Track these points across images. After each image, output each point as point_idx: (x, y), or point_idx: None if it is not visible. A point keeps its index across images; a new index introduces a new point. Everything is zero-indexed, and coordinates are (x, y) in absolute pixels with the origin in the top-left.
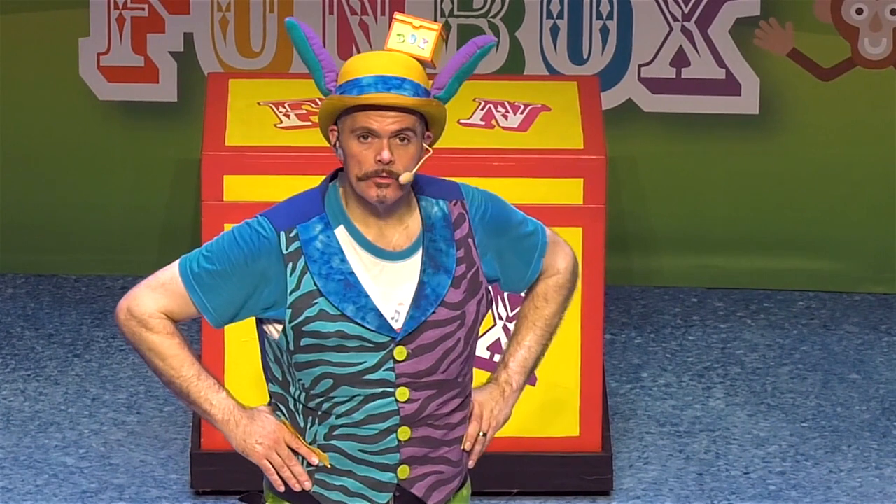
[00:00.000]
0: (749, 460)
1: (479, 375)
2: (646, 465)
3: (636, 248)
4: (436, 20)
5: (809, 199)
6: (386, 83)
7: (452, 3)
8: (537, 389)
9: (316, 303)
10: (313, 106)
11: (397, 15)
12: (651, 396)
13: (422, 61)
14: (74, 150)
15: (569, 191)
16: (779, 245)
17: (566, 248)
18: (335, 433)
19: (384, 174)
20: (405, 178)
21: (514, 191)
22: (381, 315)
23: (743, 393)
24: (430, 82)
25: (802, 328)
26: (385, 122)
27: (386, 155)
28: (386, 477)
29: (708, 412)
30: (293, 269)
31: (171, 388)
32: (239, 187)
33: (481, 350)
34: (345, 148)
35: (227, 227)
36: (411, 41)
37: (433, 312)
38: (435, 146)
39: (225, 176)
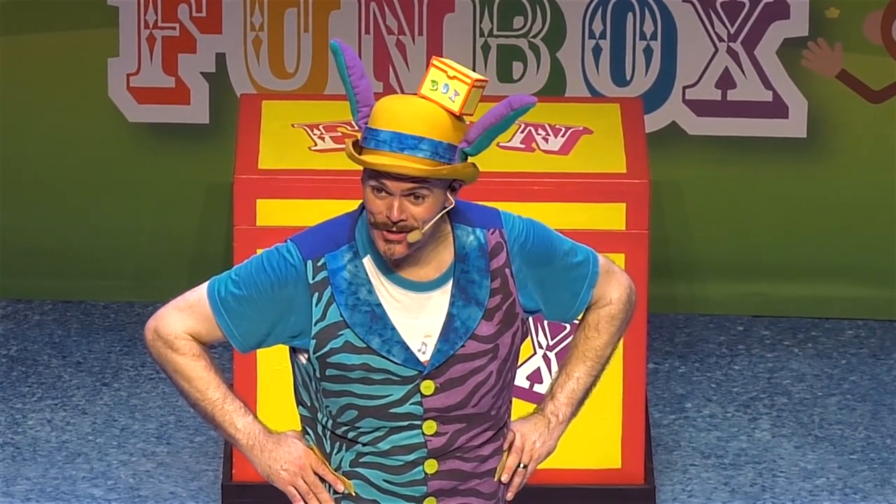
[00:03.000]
0: (796, 493)
1: (518, 406)
2: (690, 497)
3: (680, 274)
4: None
5: (858, 224)
6: (401, 142)
7: (492, 22)
8: (578, 419)
9: (341, 334)
10: (349, 128)
11: (435, 60)
12: (695, 427)
13: (451, 113)
14: (103, 172)
15: (611, 216)
16: (827, 272)
17: (622, 277)
18: (361, 460)
19: (395, 229)
20: (413, 236)
21: (554, 216)
22: (407, 348)
23: (790, 424)
24: (468, 124)
25: (851, 357)
26: (397, 183)
27: (395, 214)
28: None
29: (754, 444)
30: (319, 299)
31: (196, 410)
32: (272, 212)
33: (520, 380)
34: (363, 190)
35: (259, 252)
36: (443, 90)
37: (462, 346)
38: None
39: (258, 200)
